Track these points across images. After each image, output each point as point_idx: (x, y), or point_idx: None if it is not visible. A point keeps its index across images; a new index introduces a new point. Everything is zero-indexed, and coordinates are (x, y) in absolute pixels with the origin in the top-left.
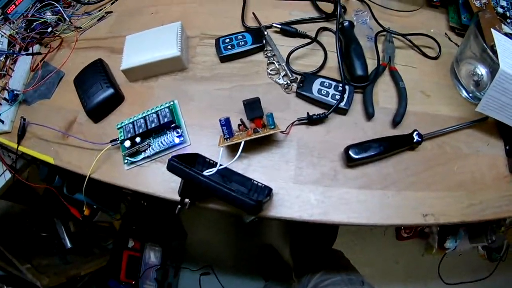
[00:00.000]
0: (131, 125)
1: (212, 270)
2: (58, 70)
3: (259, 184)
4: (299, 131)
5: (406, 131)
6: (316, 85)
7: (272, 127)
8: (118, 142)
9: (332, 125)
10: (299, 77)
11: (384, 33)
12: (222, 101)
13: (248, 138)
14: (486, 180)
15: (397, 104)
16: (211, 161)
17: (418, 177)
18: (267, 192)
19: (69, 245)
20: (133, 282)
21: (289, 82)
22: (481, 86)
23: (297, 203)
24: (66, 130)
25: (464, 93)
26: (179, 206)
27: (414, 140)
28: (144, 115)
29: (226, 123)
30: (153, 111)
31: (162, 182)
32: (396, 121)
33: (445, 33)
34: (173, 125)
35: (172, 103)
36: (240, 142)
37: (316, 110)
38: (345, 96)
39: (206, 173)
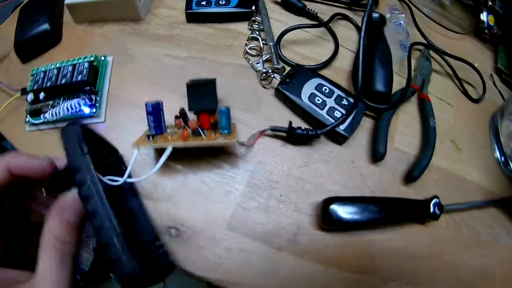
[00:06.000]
0: (42, 74)
1: None
2: None
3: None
4: (265, 148)
5: (421, 192)
6: (309, 87)
7: (226, 132)
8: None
9: (318, 154)
10: (288, 68)
11: (421, 47)
12: (168, 74)
13: (180, 145)
14: (496, 276)
15: (419, 150)
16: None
17: (418, 262)
18: None
19: None
20: None
21: (270, 71)
22: None
23: (223, 262)
24: None
25: (497, 154)
26: None
27: (431, 211)
28: (59, 65)
29: (154, 111)
30: (70, 62)
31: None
32: (412, 176)
33: (491, 75)
34: (88, 87)
35: (102, 58)
36: (165, 148)
37: (298, 124)
38: (350, 116)
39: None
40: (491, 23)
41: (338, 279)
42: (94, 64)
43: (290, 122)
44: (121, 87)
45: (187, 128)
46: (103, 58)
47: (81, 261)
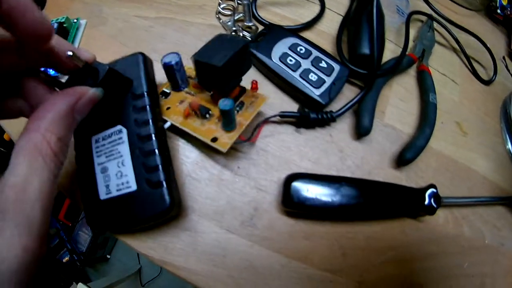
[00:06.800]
0: None
1: None
2: None
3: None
4: None
5: (414, 179)
6: (282, 46)
7: (228, 129)
8: None
9: (287, 123)
10: (261, 28)
11: (423, 18)
12: (134, 34)
13: (175, 123)
14: None
15: (415, 128)
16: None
17: (403, 266)
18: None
19: None
20: (70, 225)
21: (241, 28)
22: None
23: (166, 239)
24: None
25: (509, 146)
26: None
27: (425, 203)
28: None
29: (177, 66)
30: None
31: None
32: (405, 157)
33: (503, 57)
34: None
35: (74, 21)
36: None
37: (267, 87)
38: (328, 80)
39: None
40: (504, 3)
41: (303, 276)
42: (65, 25)
43: (301, 107)
44: (90, 48)
45: (190, 106)
46: (75, 21)
47: (78, 241)
